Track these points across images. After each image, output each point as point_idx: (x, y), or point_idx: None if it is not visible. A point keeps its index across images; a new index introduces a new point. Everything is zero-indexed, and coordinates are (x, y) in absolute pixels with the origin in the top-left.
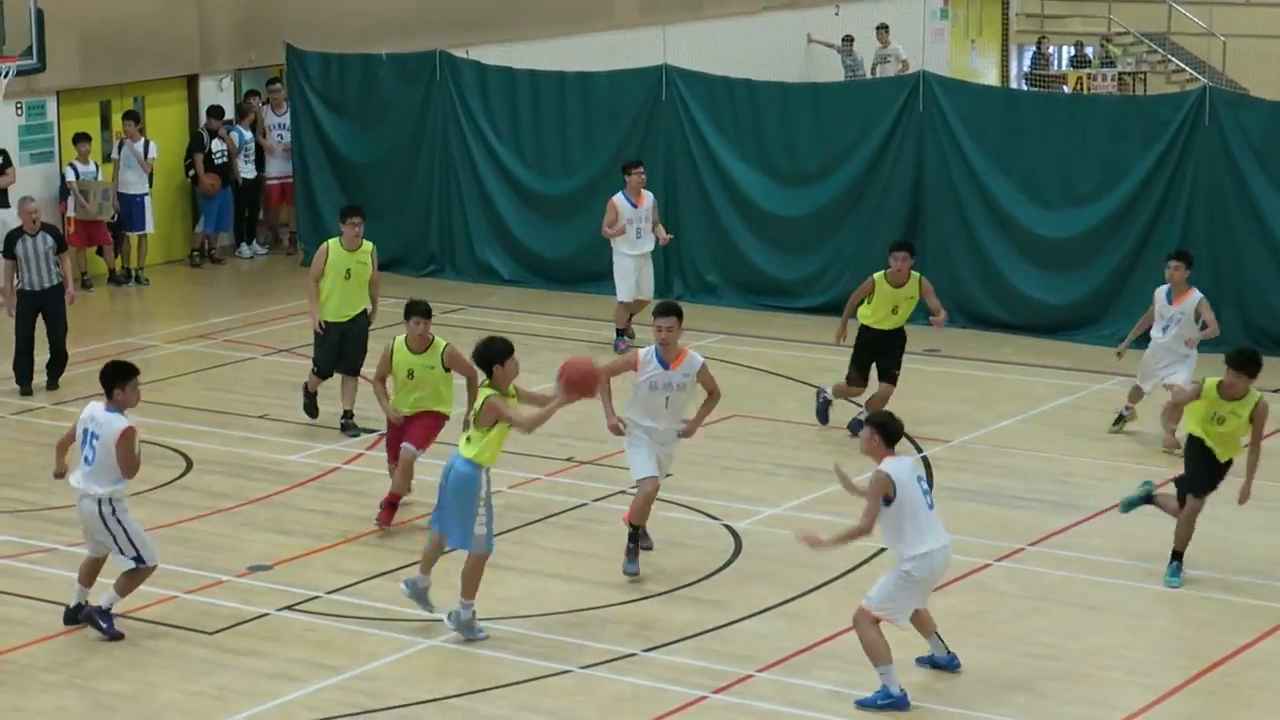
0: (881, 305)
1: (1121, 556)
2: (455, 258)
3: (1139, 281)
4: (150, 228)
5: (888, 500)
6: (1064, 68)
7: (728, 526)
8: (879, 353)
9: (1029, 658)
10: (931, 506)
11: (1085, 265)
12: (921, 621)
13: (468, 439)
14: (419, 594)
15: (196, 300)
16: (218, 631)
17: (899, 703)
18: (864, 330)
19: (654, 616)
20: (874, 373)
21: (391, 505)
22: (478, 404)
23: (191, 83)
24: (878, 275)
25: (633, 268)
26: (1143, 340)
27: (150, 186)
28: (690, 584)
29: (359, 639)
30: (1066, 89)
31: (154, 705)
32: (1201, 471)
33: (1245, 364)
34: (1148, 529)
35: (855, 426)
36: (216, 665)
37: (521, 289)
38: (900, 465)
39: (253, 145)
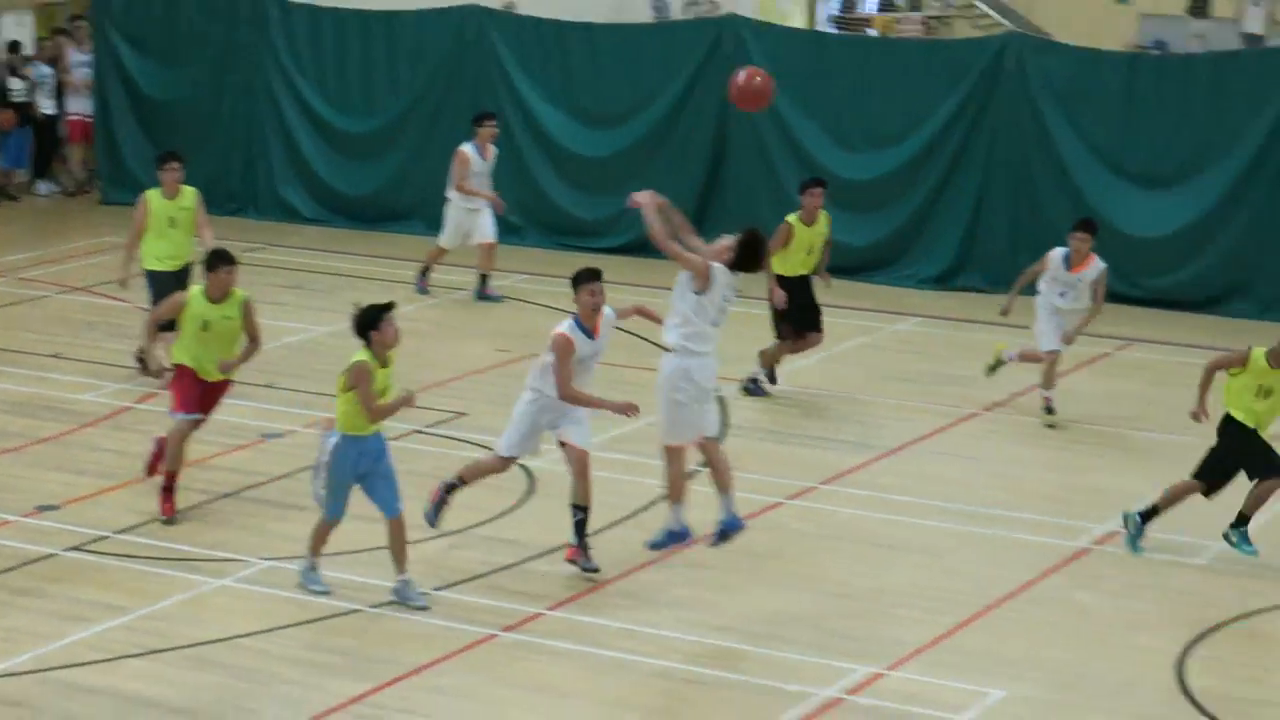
0: (800, 250)
1: (914, 495)
2: (257, 197)
3: (938, 224)
4: None
5: (697, 290)
6: (871, 11)
7: (521, 465)
8: (798, 303)
9: (820, 595)
10: (714, 325)
11: (886, 207)
12: (719, 474)
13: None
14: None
15: None
16: (3, 572)
17: (681, 535)
18: (781, 282)
19: (445, 555)
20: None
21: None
22: (350, 362)
23: None
24: (791, 218)
25: (464, 219)
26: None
27: None
28: (482, 523)
29: (148, 579)
30: (873, 32)
31: None
32: (1256, 455)
33: None
34: (939, 467)
35: (752, 388)
36: (2, 606)
37: (324, 228)
38: (727, 276)
39: (53, 81)
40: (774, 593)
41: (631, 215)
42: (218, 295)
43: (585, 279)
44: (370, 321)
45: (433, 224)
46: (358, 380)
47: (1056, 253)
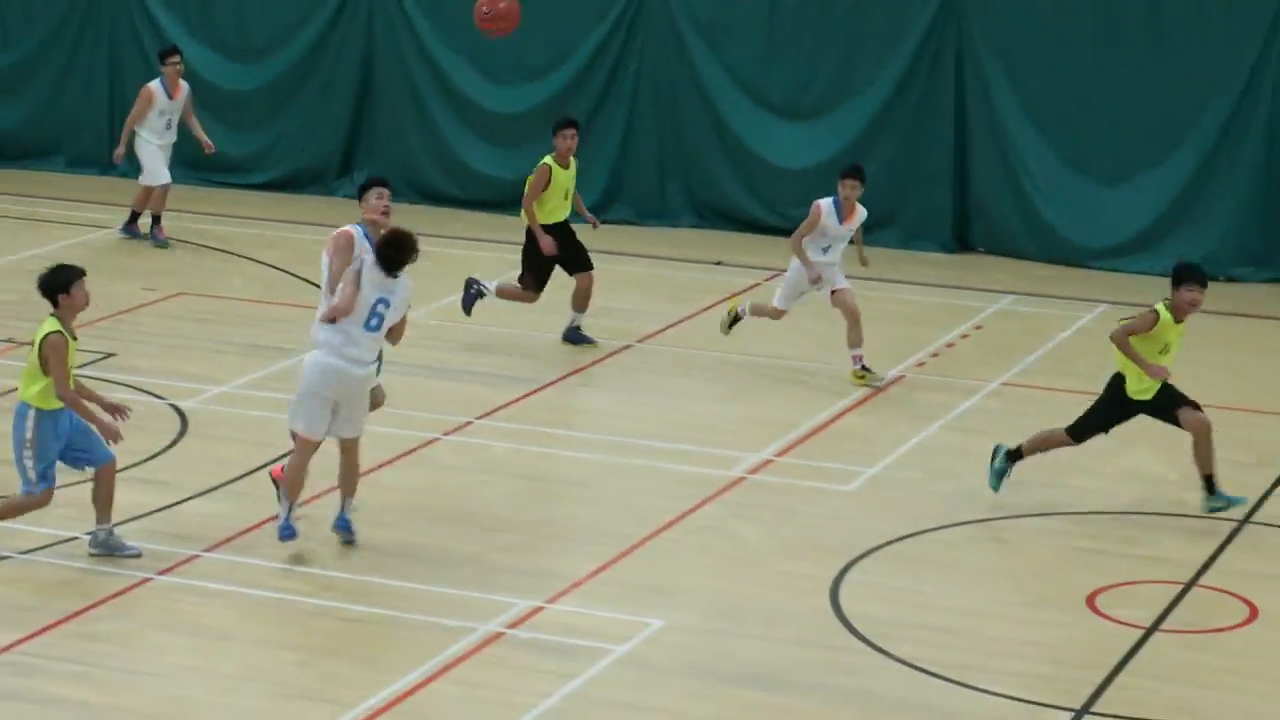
0: (557, 194)
1: (569, 429)
2: None
3: (587, 157)
4: None
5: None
6: None
7: (174, 406)
8: (563, 248)
9: (477, 530)
10: (366, 330)
11: (534, 140)
12: (346, 477)
13: (27, 374)
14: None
15: None
16: None
17: (288, 533)
18: (544, 230)
19: None
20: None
21: None
22: (37, 337)
23: None
24: (548, 160)
25: (160, 155)
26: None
27: None
28: (135, 465)
29: None
30: None
31: None
32: (1109, 414)
33: (1200, 275)
34: (594, 400)
35: (573, 336)
36: None
37: None
38: (379, 276)
39: None
40: (431, 529)
41: (278, 152)
42: None
43: (374, 184)
44: (61, 284)
45: (74, 160)
46: (50, 357)
47: (825, 204)
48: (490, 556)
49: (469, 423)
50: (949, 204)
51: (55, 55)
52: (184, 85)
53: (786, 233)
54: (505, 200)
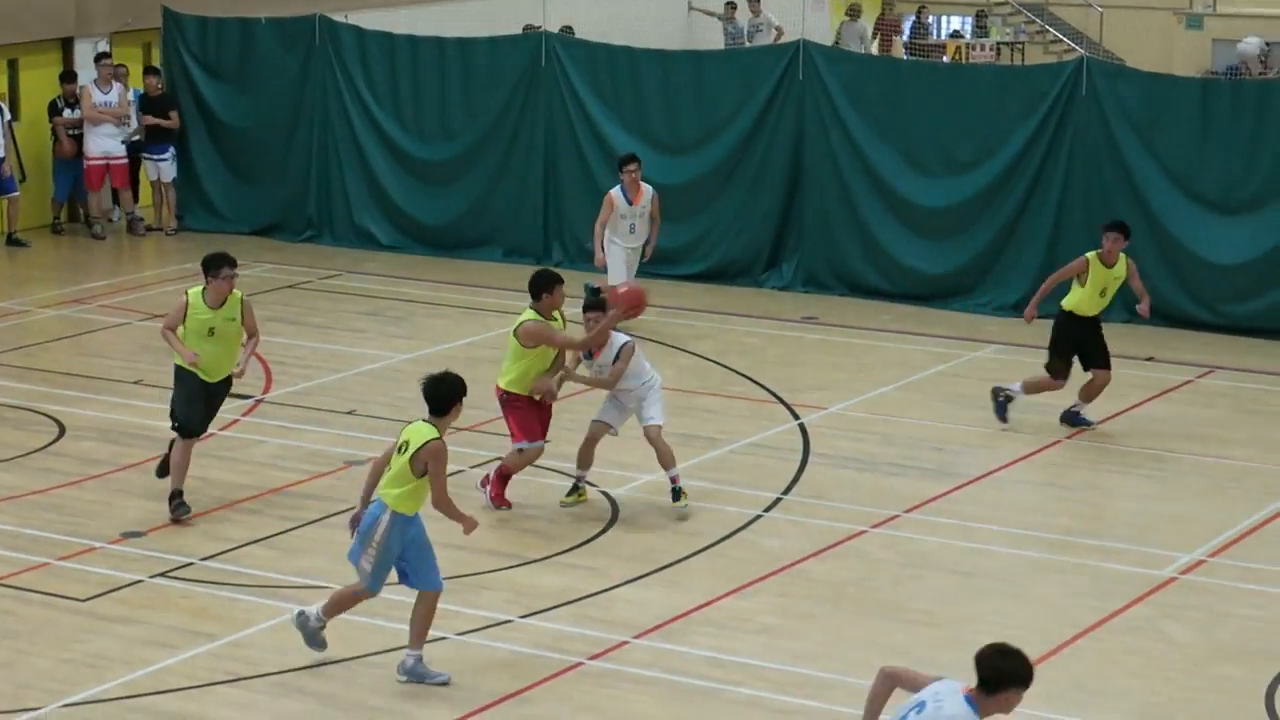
0: (1094, 288)
1: (996, 524)
2: (334, 223)
3: (1015, 251)
4: (15, 190)
5: None
6: (943, 37)
7: (605, 493)
8: (1085, 341)
9: (907, 624)
10: None
11: (963, 234)
12: None
13: (392, 476)
14: (309, 631)
15: (68, 265)
16: (91, 599)
17: None
18: (1069, 317)
19: (530, 583)
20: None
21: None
22: (416, 443)
23: (67, 45)
24: (1091, 255)
25: (621, 257)
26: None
27: (4, 151)
28: (567, 550)
29: (234, 606)
30: (946, 59)
31: (26, 673)
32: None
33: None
34: (1021, 495)
35: (1071, 419)
36: (89, 633)
37: (400, 255)
38: None
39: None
40: (859, 621)
41: (708, 243)
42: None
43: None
44: (456, 393)
45: (510, 251)
46: (430, 464)
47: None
48: (918, 650)
49: (896, 515)
50: None
51: (493, 148)
52: (645, 190)
53: (1221, 329)
54: (933, 294)
